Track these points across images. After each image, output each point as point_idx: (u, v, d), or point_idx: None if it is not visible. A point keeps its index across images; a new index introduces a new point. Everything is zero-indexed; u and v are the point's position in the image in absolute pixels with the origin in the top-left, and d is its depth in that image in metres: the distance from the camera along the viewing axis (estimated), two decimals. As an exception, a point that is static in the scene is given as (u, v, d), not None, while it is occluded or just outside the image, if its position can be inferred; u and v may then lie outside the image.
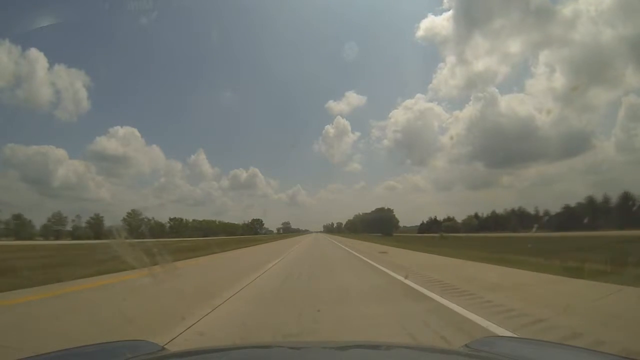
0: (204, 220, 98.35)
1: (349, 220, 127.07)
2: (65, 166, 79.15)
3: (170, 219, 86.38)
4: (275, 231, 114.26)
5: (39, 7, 66.88)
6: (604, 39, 62.14)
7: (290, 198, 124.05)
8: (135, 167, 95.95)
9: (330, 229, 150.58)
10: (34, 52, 69.70)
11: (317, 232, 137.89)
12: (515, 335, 3.35)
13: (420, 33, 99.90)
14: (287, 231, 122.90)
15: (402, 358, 1.39)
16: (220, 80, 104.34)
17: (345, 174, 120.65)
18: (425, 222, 74.55)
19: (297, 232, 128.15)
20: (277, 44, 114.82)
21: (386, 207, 64.49)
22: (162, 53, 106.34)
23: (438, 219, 70.98)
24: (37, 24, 51.76)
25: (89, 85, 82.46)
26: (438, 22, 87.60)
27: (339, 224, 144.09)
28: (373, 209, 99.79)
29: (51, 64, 77.54)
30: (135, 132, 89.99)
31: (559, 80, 68.38)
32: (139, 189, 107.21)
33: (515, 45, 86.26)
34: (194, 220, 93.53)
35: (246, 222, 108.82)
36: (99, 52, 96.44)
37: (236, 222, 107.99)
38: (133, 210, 74.35)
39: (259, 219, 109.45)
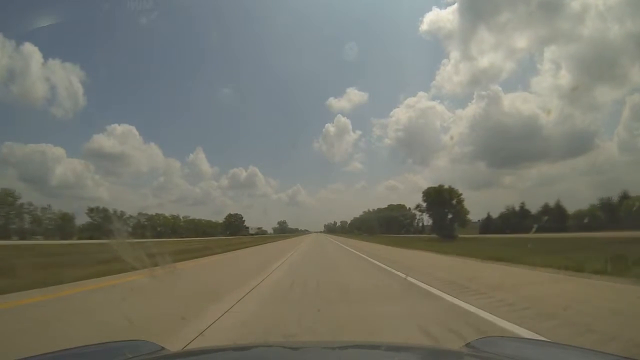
0: (158, 214, 69.29)
1: (355, 218, 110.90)
2: (63, 165, 74.55)
3: (90, 209, 57.44)
4: (271, 231, 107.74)
5: (36, 4, 67.25)
6: (612, 35, 59.92)
7: (290, 198, 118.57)
8: (134, 166, 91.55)
9: (332, 229, 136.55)
10: (29, 47, 65.21)
11: (317, 232, 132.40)
12: (516, 335, 3.24)
13: (424, 27, 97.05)
14: (284, 231, 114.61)
15: (402, 358, 1.35)
16: (218, 78, 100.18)
17: (345, 174, 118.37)
18: (492, 216, 46.52)
19: (296, 232, 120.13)
20: (276, 39, 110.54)
21: (446, 186, 35.75)
22: (160, 49, 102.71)
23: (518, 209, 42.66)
24: (35, 24, 49.53)
25: (84, 82, 77.64)
26: (443, 16, 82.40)
27: (343, 222, 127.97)
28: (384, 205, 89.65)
29: (45, 58, 71.52)
30: (133, 130, 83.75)
31: (565, 78, 65.01)
32: (137, 188, 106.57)
33: (521, 41, 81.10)
34: (140, 214, 64.21)
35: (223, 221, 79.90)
36: (95, 47, 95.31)
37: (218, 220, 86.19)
38: (4, 190, 45.56)
39: (237, 214, 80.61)
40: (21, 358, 1.15)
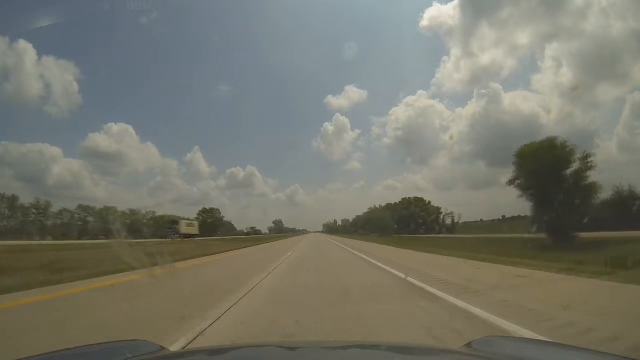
0: (107, 207, 52.34)
1: (358, 217, 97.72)
2: (59, 164, 72.15)
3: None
4: (267, 231, 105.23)
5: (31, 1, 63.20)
6: (614, 32, 57.90)
7: (289, 197, 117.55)
8: (131, 166, 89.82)
9: (332, 228, 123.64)
10: (23, 44, 63.11)
11: (316, 232, 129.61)
12: (517, 335, 3.19)
13: (424, 23, 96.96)
14: (281, 231, 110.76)
15: (403, 358, 1.34)
16: (216, 76, 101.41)
17: (344, 173, 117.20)
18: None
19: (293, 232, 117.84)
20: (274, 36, 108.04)
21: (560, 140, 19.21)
22: (157, 48, 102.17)
23: None
24: (30, 22, 45.80)
25: (80, 79, 78.15)
26: (444, 11, 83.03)
27: (345, 221, 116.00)
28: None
29: (40, 55, 71.00)
30: (130, 129, 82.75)
31: (566, 76, 65.66)
32: (135, 188, 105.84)
33: (522, 37, 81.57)
34: (80, 206, 47.49)
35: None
36: (90, 45, 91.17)
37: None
38: None
39: (214, 209, 63.56)
40: (21, 358, 1.14)
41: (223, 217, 65.23)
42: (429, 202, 69.31)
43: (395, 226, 70.30)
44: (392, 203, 77.90)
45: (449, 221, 64.28)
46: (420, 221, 67.31)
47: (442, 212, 61.40)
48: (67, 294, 6.64)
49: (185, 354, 1.60)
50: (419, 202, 69.27)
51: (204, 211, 61.76)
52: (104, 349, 1.41)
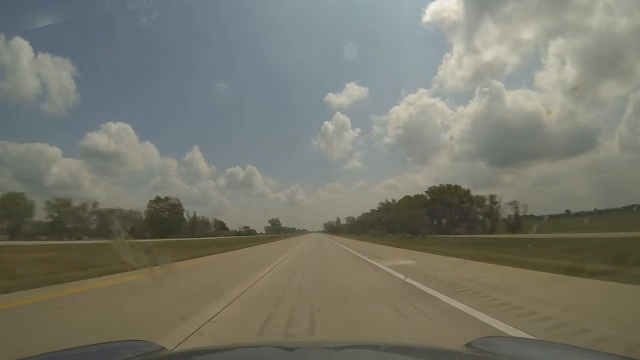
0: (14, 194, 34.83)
1: (365, 214, 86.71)
2: (58, 164, 67.82)
3: None
4: (264, 231, 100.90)
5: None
6: (618, 29, 53.16)
7: (289, 197, 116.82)
8: (130, 165, 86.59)
9: (334, 228, 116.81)
10: (19, 41, 57.65)
11: (316, 232, 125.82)
12: (517, 335, 3.20)
13: (426, 18, 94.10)
14: (278, 231, 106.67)
15: (403, 358, 1.34)
16: (215, 75, 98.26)
17: (344, 172, 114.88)
18: None
19: (292, 232, 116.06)
20: (273, 33, 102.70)
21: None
22: (156, 46, 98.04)
23: None
24: (27, 21, 51.69)
25: (77, 77, 72.70)
26: (447, 6, 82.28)
27: (350, 219, 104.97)
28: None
29: (36, 52, 64.78)
30: (129, 128, 79.25)
31: (569, 73, 63.32)
32: (134, 188, 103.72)
33: (526, 32, 75.25)
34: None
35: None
36: (87, 42, 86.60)
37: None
38: None
39: (171, 199, 45.12)
40: (21, 358, 1.14)
41: (184, 210, 47.05)
42: (468, 191, 52.10)
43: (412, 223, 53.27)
44: (412, 195, 60.62)
45: (504, 214, 46.33)
46: (456, 217, 50.30)
47: (496, 202, 42.96)
48: None
49: (185, 354, 1.55)
50: (453, 190, 51.91)
51: (156, 201, 43.46)
52: (104, 349, 1.40)
